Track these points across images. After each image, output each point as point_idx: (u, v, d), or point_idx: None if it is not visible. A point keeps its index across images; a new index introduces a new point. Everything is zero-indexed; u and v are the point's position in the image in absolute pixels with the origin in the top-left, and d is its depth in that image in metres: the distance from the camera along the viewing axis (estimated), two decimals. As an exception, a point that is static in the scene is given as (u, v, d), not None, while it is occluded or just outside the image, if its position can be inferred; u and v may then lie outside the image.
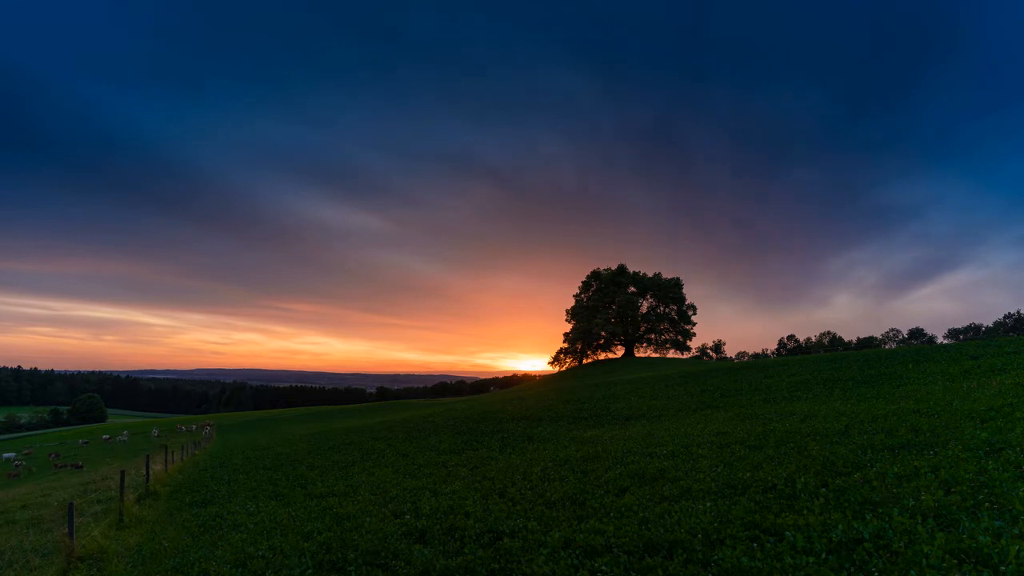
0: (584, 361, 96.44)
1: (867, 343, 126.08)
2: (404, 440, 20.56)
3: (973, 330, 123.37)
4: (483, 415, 25.34)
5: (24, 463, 39.67)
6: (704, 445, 11.65)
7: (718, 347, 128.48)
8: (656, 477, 9.52)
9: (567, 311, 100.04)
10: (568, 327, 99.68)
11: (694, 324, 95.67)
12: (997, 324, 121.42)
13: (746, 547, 5.78)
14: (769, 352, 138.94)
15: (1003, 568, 4.50)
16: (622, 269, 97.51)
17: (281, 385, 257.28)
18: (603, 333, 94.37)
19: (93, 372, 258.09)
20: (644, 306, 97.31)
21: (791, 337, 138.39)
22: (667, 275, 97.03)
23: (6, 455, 50.17)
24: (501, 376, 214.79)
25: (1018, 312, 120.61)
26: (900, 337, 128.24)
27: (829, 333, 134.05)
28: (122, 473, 13.62)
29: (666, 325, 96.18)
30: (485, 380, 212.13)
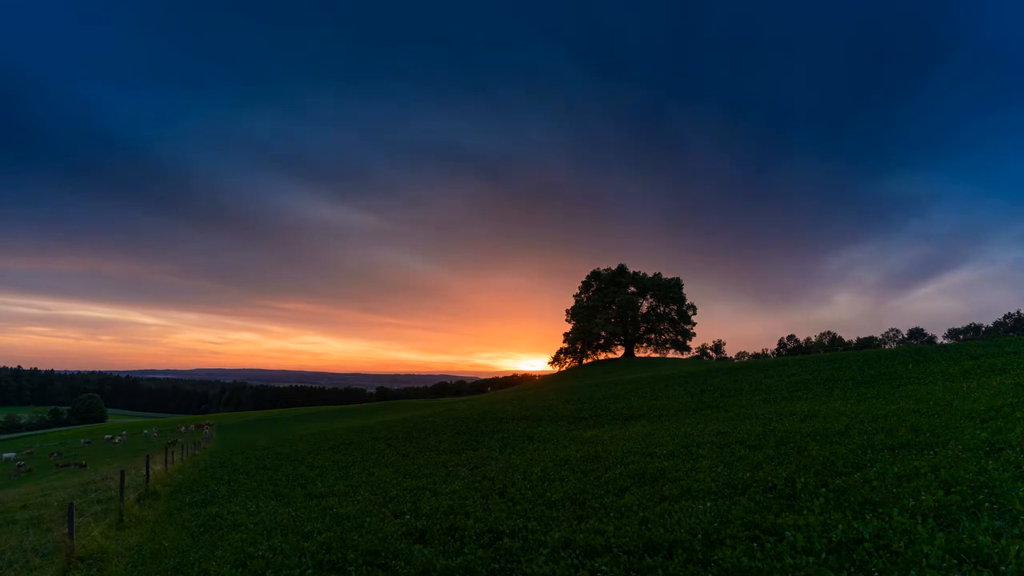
0: (584, 361, 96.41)
1: (867, 343, 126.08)
2: (404, 440, 20.57)
3: (973, 330, 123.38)
4: (483, 415, 25.34)
5: (25, 463, 39.67)
6: (704, 445, 11.65)
7: (718, 347, 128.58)
8: (656, 477, 9.52)
9: (567, 311, 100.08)
10: (568, 327, 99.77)
11: (694, 324, 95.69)
12: (997, 324, 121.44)
13: (746, 547, 5.78)
14: (769, 352, 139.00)
15: (1003, 568, 4.50)
16: (622, 269, 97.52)
17: (281, 385, 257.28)
18: (603, 333, 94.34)
19: (93, 372, 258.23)
20: (644, 306, 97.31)
21: (791, 337, 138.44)
22: (666, 274, 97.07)
23: (6, 455, 50.24)
24: (501, 376, 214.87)
25: (1018, 312, 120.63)
26: (900, 337, 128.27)
27: (829, 333, 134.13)
28: (122, 473, 13.62)
29: (666, 325, 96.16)
30: (485, 380, 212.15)
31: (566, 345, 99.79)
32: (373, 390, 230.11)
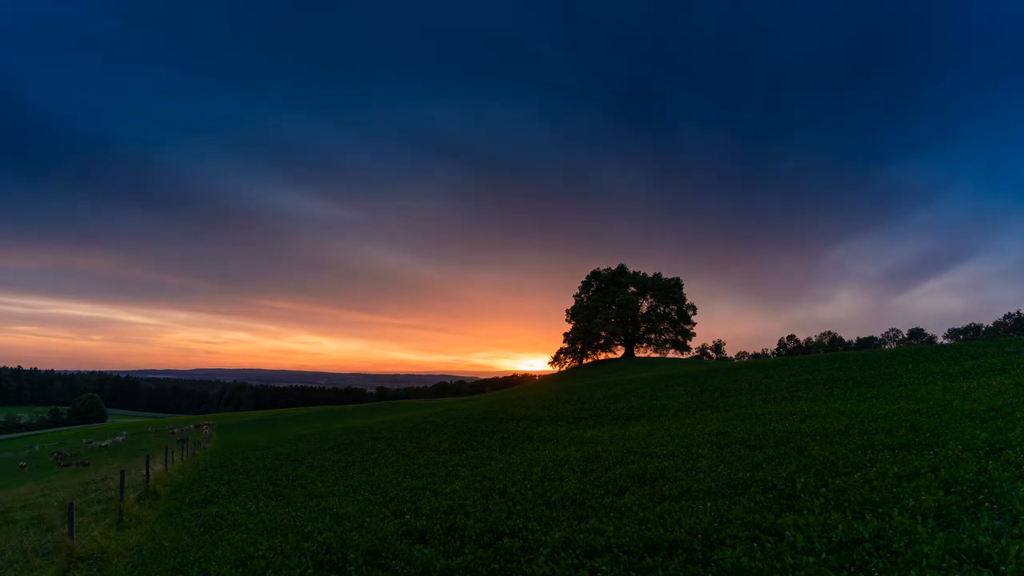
0: (584, 361, 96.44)
1: (867, 343, 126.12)
2: (404, 440, 20.57)
3: (973, 330, 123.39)
4: (483, 415, 25.34)
5: (26, 464, 39.65)
6: (704, 445, 11.64)
7: (718, 347, 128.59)
8: (656, 477, 9.52)
9: (567, 311, 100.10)
10: (568, 327, 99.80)
11: (694, 324, 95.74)
12: (997, 324, 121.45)
13: (746, 547, 5.78)
14: (769, 352, 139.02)
15: (1003, 568, 4.51)
16: (622, 269, 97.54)
17: (281, 385, 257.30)
18: (603, 333, 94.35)
19: (93, 372, 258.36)
20: (644, 306, 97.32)
21: (791, 337, 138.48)
22: (665, 273, 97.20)
23: (6, 455, 50.33)
24: (501, 376, 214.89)
25: (1018, 312, 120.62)
26: (900, 337, 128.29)
27: (829, 333, 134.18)
28: (122, 473, 13.63)
29: (666, 325, 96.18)
30: (485, 380, 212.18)
31: (566, 345, 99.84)
32: (373, 390, 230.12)
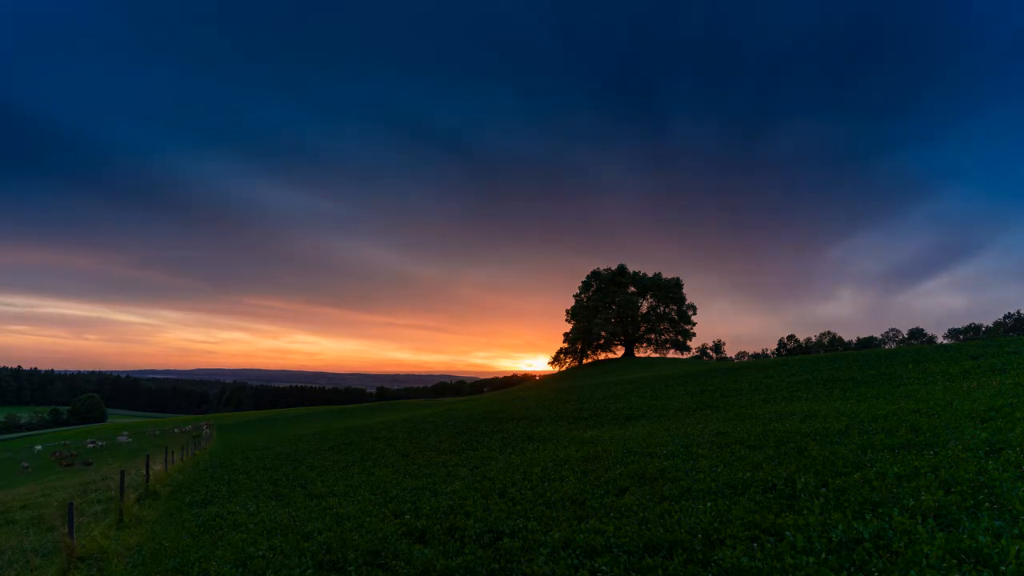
0: (584, 361, 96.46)
1: (867, 343, 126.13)
2: (404, 440, 20.57)
3: (973, 330, 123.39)
4: (483, 415, 25.34)
5: (28, 465, 39.62)
6: (704, 445, 11.65)
7: (718, 347, 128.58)
8: (656, 477, 9.52)
9: (567, 311, 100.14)
10: (568, 327, 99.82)
11: (694, 324, 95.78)
12: (997, 324, 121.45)
13: (746, 547, 5.78)
14: (769, 352, 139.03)
15: (1003, 568, 4.51)
16: (622, 269, 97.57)
17: (281, 385, 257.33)
18: (603, 333, 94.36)
19: (93, 372, 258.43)
20: (644, 306, 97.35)
21: (791, 337, 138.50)
22: (665, 272, 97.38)
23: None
24: (501, 376, 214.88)
25: (1018, 312, 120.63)
26: (900, 337, 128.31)
27: (829, 333, 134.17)
28: (122, 473, 13.63)
29: (666, 325, 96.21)
30: (485, 380, 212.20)
31: (566, 345, 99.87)
32: (373, 390, 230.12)
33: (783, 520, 6.32)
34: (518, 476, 11.33)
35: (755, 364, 37.72)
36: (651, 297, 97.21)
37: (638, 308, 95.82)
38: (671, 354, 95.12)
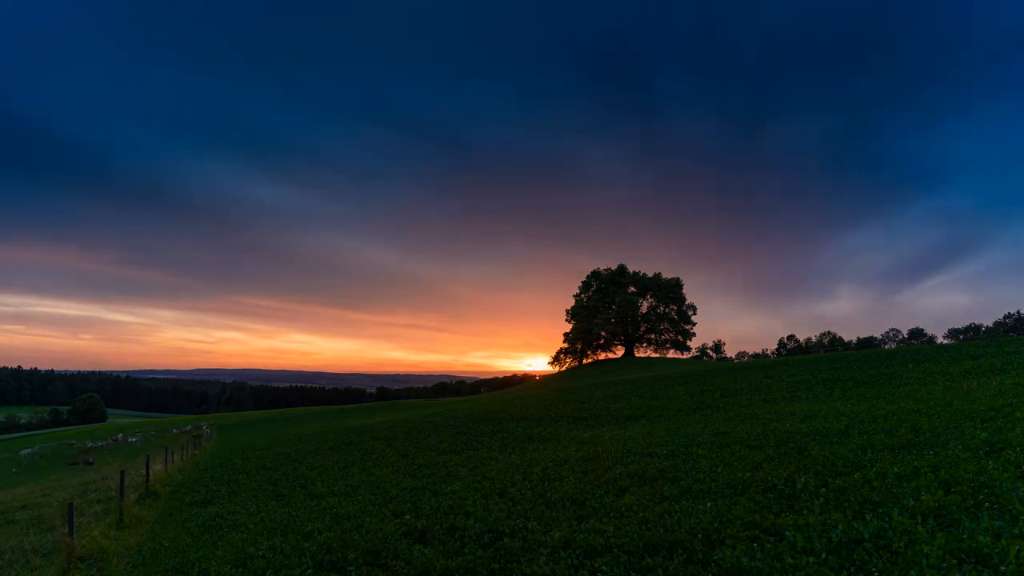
0: (584, 361, 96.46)
1: (867, 343, 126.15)
2: (404, 440, 20.57)
3: (973, 330, 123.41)
4: (483, 415, 25.34)
5: (19, 467, 39.60)
6: (704, 445, 11.65)
7: (718, 347, 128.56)
8: (656, 477, 9.52)
9: (567, 311, 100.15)
10: (568, 327, 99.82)
11: (694, 324, 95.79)
12: (997, 324, 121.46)
13: (746, 547, 5.78)
14: (769, 352, 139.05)
15: (1003, 568, 4.51)
16: (622, 269, 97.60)
17: (281, 385, 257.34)
18: (603, 333, 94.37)
19: (92, 372, 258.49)
20: (644, 306, 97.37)
21: (791, 337, 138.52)
22: (665, 272, 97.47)
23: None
24: (501, 376, 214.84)
25: (1018, 312, 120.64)
26: (900, 337, 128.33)
27: (829, 333, 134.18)
28: (122, 473, 13.63)
29: (666, 325, 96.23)
30: (485, 380, 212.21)
31: (566, 345, 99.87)
32: (373, 390, 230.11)
33: (783, 520, 6.32)
34: (518, 476, 11.33)
35: (755, 364, 37.72)
36: (651, 297, 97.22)
37: (638, 308, 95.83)
38: (671, 354, 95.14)
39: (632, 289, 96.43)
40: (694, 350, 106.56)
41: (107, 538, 10.41)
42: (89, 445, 48.92)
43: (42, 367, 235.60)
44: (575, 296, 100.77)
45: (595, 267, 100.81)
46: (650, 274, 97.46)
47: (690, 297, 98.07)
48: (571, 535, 7.03)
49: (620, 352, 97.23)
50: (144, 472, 17.09)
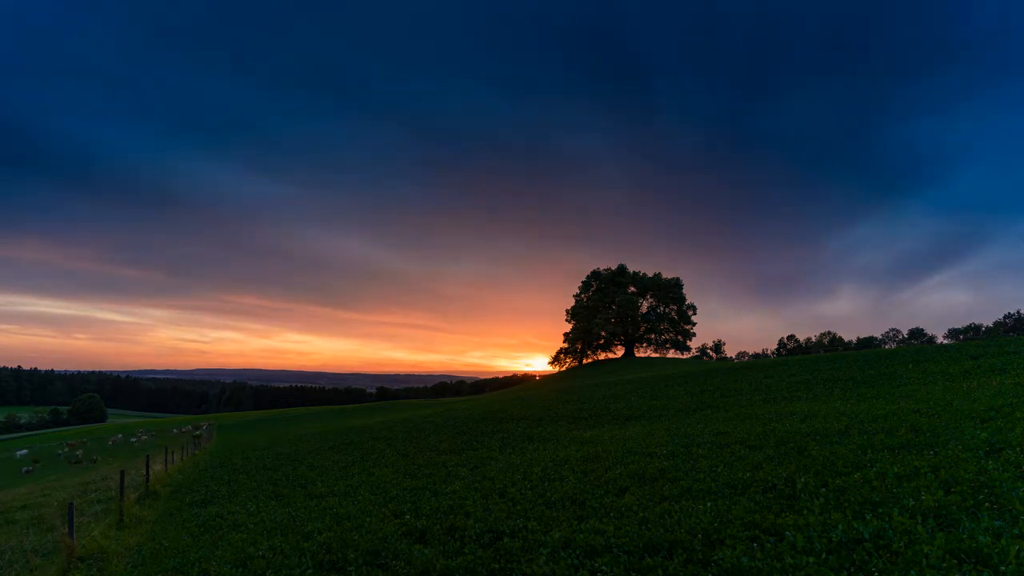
0: (584, 361, 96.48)
1: (867, 343, 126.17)
2: (404, 440, 20.56)
3: (973, 330, 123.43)
4: (483, 415, 25.34)
5: (32, 467, 39.58)
6: (704, 445, 11.65)
7: (718, 347, 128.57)
8: (656, 477, 9.52)
9: (567, 311, 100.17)
10: (568, 327, 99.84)
11: (694, 324, 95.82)
12: (997, 324, 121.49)
13: (746, 547, 5.78)
14: (769, 352, 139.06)
15: (1003, 568, 4.51)
16: (622, 269, 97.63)
17: (281, 385, 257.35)
18: (603, 333, 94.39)
19: (93, 372, 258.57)
20: (644, 306, 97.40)
21: (791, 337, 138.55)
22: (665, 272, 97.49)
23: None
24: (501, 376, 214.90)
25: (1018, 312, 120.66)
26: (900, 337, 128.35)
27: (829, 333, 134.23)
28: (122, 473, 13.63)
29: (666, 325, 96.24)
30: (485, 380, 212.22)
31: (566, 345, 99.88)
32: (373, 390, 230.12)
33: (783, 520, 6.32)
34: (518, 476, 11.33)
35: (755, 364, 37.72)
36: (651, 297, 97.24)
37: (638, 308, 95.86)
38: (671, 354, 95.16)
39: (632, 289, 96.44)
40: (694, 350, 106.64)
41: (107, 538, 10.41)
42: (81, 451, 48.76)
43: (41, 367, 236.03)
44: (575, 296, 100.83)
45: (594, 266, 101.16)
46: (650, 274, 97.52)
47: (690, 297, 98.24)
48: (571, 535, 7.03)
49: (620, 352, 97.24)
50: (144, 472, 17.09)
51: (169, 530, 10.86)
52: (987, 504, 5.86)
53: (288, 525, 9.87)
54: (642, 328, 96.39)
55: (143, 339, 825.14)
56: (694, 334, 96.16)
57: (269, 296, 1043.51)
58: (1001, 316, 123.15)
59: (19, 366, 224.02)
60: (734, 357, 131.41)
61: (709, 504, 7.41)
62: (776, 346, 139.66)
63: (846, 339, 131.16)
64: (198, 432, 49.79)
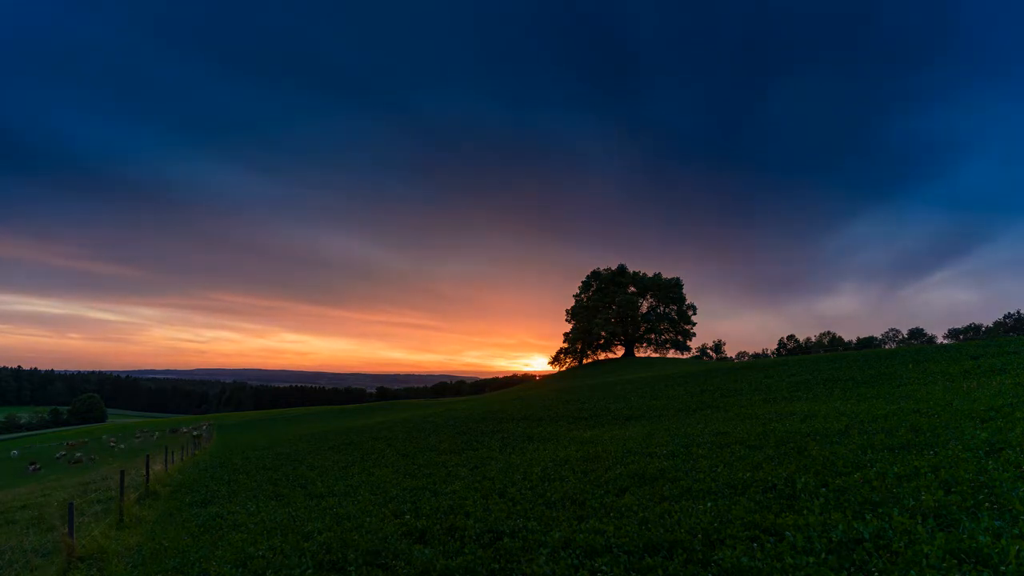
0: (584, 361, 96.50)
1: (867, 343, 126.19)
2: (404, 440, 20.56)
3: (973, 330, 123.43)
4: (483, 415, 25.34)
5: (38, 467, 39.59)
6: (704, 445, 11.65)
7: (718, 347, 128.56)
8: (656, 477, 9.52)
9: (567, 311, 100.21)
10: (568, 327, 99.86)
11: (694, 324, 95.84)
12: (997, 324, 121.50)
13: (746, 547, 5.78)
14: (769, 352, 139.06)
15: (1003, 568, 4.51)
16: (622, 269, 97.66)
17: (281, 385, 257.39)
18: (603, 333, 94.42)
19: (93, 372, 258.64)
20: (644, 306, 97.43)
21: (791, 337, 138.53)
22: (665, 272, 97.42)
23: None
24: (501, 376, 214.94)
25: (1018, 312, 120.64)
26: (900, 337, 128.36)
27: (829, 333, 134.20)
28: (122, 473, 13.63)
29: (666, 325, 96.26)
30: (485, 380, 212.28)
31: (566, 345, 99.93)
32: (373, 390, 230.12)
33: (783, 520, 6.32)
34: (518, 476, 11.33)
35: (755, 364, 37.72)
36: (651, 297, 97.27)
37: (638, 308, 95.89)
38: (671, 354, 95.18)
39: (632, 289, 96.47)
40: (694, 350, 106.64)
41: (107, 538, 10.41)
42: (80, 451, 48.80)
43: (40, 367, 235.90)
44: (575, 296, 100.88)
45: (593, 267, 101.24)
46: (650, 274, 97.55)
47: (690, 297, 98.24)
48: (571, 535, 7.03)
49: (620, 352, 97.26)
50: (144, 472, 17.09)
51: (169, 530, 10.86)
52: (987, 504, 5.86)
53: (288, 525, 9.87)
54: (642, 328, 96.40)
55: (137, 338, 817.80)
56: (694, 334, 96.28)
57: (262, 295, 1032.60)
58: (1001, 316, 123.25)
59: (19, 366, 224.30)
60: (734, 357, 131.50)
61: (709, 504, 7.42)
62: (776, 346, 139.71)
63: (846, 339, 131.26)
64: (198, 432, 49.79)
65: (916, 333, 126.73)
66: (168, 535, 10.40)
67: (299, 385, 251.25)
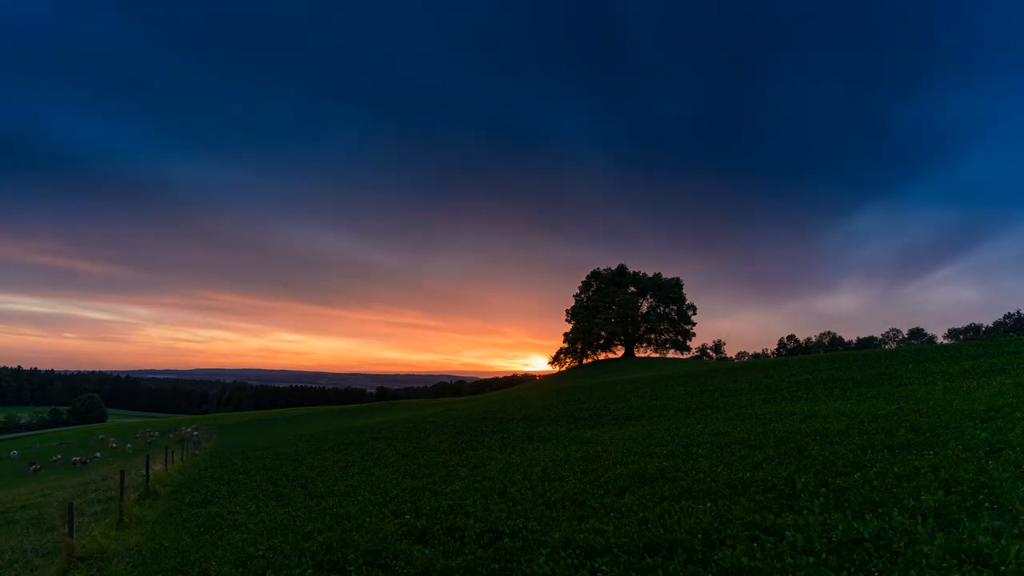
0: (584, 361, 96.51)
1: (867, 343, 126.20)
2: (404, 440, 20.57)
3: (973, 330, 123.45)
4: (483, 415, 25.34)
5: (37, 467, 39.59)
6: (704, 445, 11.65)
7: (718, 347, 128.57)
8: (656, 477, 9.52)
9: (567, 311, 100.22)
10: (568, 327, 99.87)
11: (694, 324, 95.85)
12: (997, 324, 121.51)
13: (746, 547, 5.78)
14: (769, 352, 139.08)
15: (1003, 568, 4.51)
16: (622, 269, 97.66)
17: (281, 385, 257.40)
18: (603, 333, 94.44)
19: (93, 372, 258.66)
20: (644, 306, 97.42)
21: (791, 337, 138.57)
22: (665, 272, 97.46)
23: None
24: (501, 376, 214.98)
25: (1018, 312, 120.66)
26: (900, 337, 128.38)
27: (829, 333, 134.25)
28: (122, 473, 13.63)
29: (666, 325, 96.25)
30: (485, 380, 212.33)
31: (566, 345, 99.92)
32: (373, 390, 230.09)
33: (783, 520, 6.32)
34: (518, 476, 11.33)
35: (755, 364, 37.72)
36: (651, 297, 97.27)
37: (638, 308, 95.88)
38: (671, 354, 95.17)
39: (632, 289, 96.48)
40: (694, 350, 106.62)
41: (107, 538, 10.41)
42: (80, 451, 48.80)
43: (40, 367, 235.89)
44: (575, 296, 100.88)
45: (592, 267, 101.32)
46: (650, 274, 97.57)
47: (690, 297, 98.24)
48: (571, 535, 7.03)
49: (620, 352, 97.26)
50: (144, 472, 17.09)
51: (169, 530, 10.86)
52: (987, 504, 5.87)
53: (288, 525, 9.87)
54: (642, 328, 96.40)
55: (132, 338, 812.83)
56: (694, 334, 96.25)
57: (260, 294, 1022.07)
58: (1001, 316, 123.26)
59: (19, 366, 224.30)
60: (734, 357, 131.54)
61: (709, 504, 7.42)
62: (776, 346, 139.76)
63: (846, 339, 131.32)
64: (198, 432, 49.80)
65: (916, 333, 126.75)
66: (168, 535, 10.40)
67: (299, 385, 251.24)
